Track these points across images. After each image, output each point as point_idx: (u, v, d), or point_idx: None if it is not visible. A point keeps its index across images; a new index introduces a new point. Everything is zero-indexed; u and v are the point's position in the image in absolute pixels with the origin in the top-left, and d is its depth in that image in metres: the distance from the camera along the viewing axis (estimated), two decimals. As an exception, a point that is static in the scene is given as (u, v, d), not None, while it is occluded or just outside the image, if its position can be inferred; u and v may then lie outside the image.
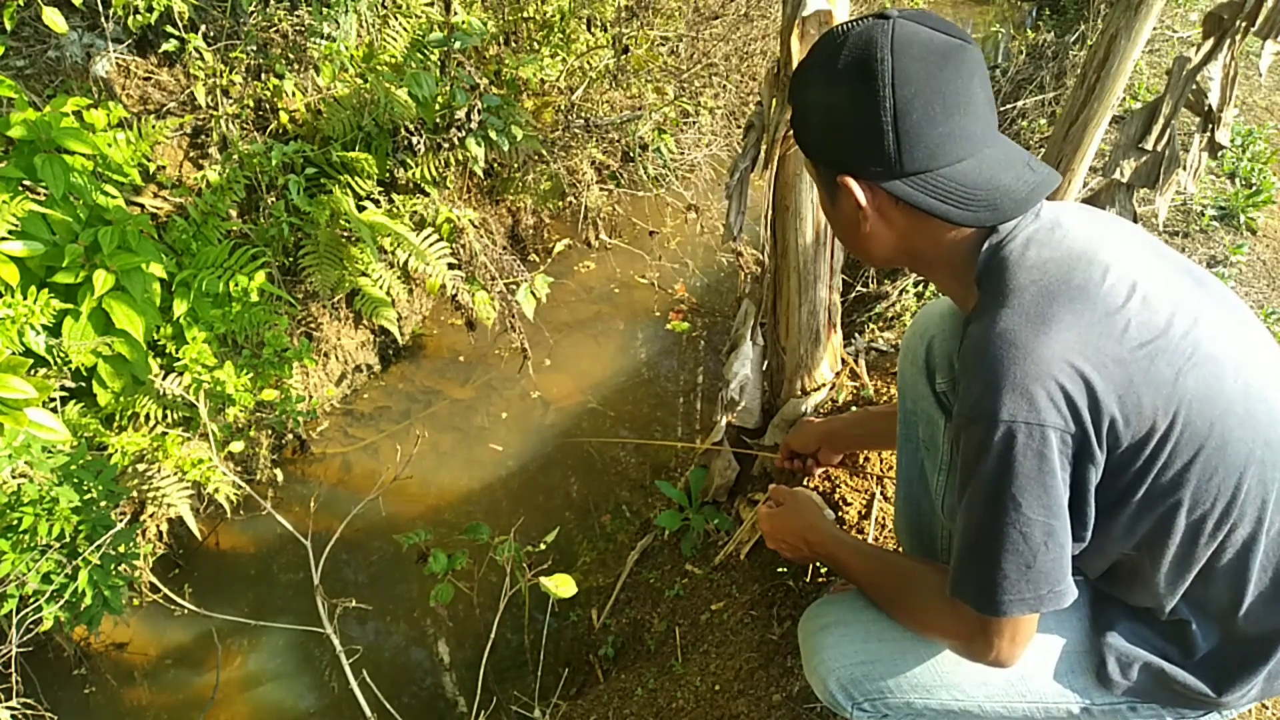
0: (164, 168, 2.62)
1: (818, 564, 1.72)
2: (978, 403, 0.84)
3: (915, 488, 1.39)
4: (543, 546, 1.88)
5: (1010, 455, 0.83)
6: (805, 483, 1.89)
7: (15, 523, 1.68)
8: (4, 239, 1.91)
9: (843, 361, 2.06)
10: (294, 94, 2.78)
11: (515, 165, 3.31)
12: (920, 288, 2.70)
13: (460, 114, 2.81)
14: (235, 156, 2.57)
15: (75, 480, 1.77)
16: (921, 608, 1.02)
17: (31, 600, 1.61)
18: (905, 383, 1.33)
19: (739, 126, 4.04)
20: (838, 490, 1.86)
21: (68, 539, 1.71)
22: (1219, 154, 2.13)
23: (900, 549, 1.75)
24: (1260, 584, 0.93)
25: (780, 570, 1.93)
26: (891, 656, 1.08)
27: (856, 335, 2.44)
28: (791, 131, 0.96)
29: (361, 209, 2.74)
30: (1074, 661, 1.06)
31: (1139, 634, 1.02)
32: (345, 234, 2.69)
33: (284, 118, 2.76)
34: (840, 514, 1.83)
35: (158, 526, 2.42)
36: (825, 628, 1.15)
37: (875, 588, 1.11)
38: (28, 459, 1.71)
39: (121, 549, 1.80)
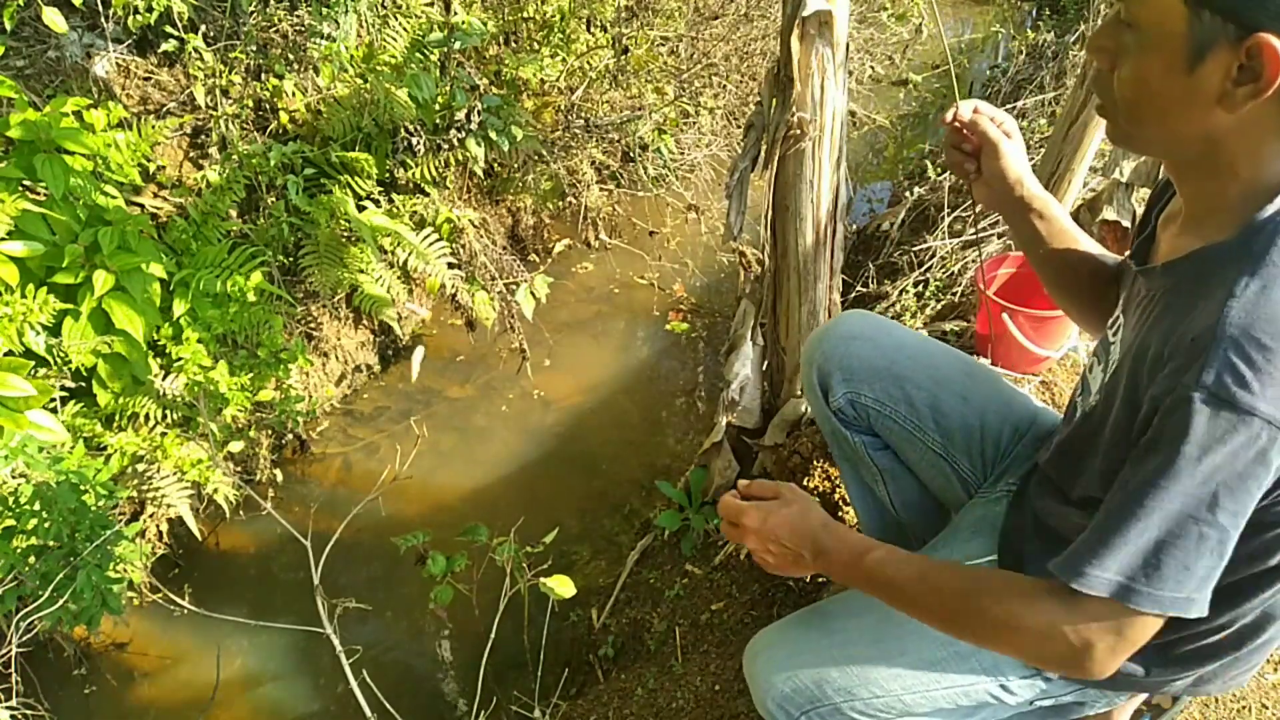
0: (164, 168, 2.62)
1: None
2: (1239, 387, 0.70)
3: (869, 502, 1.43)
4: (542, 547, 1.88)
5: (1248, 456, 0.71)
6: (805, 483, 1.89)
7: (14, 523, 1.68)
8: (4, 239, 1.91)
9: (843, 361, 2.06)
10: (294, 94, 2.78)
11: (515, 165, 3.31)
12: (919, 288, 2.70)
13: (460, 114, 2.81)
14: (234, 157, 2.57)
15: (73, 481, 1.77)
16: (1007, 609, 0.85)
17: (31, 600, 1.61)
18: (814, 412, 1.38)
19: (739, 126, 4.04)
20: (838, 490, 1.86)
21: (65, 539, 1.71)
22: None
23: None
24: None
25: (780, 570, 1.92)
26: (812, 666, 1.11)
27: (856, 335, 2.44)
28: None
29: (362, 209, 2.74)
30: None
31: None
32: (345, 234, 2.69)
33: (284, 118, 2.76)
34: (840, 514, 1.83)
35: (158, 526, 2.42)
36: (757, 654, 1.18)
37: (932, 597, 0.92)
38: (25, 459, 1.71)
39: (119, 549, 1.80)
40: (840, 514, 1.82)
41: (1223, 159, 0.78)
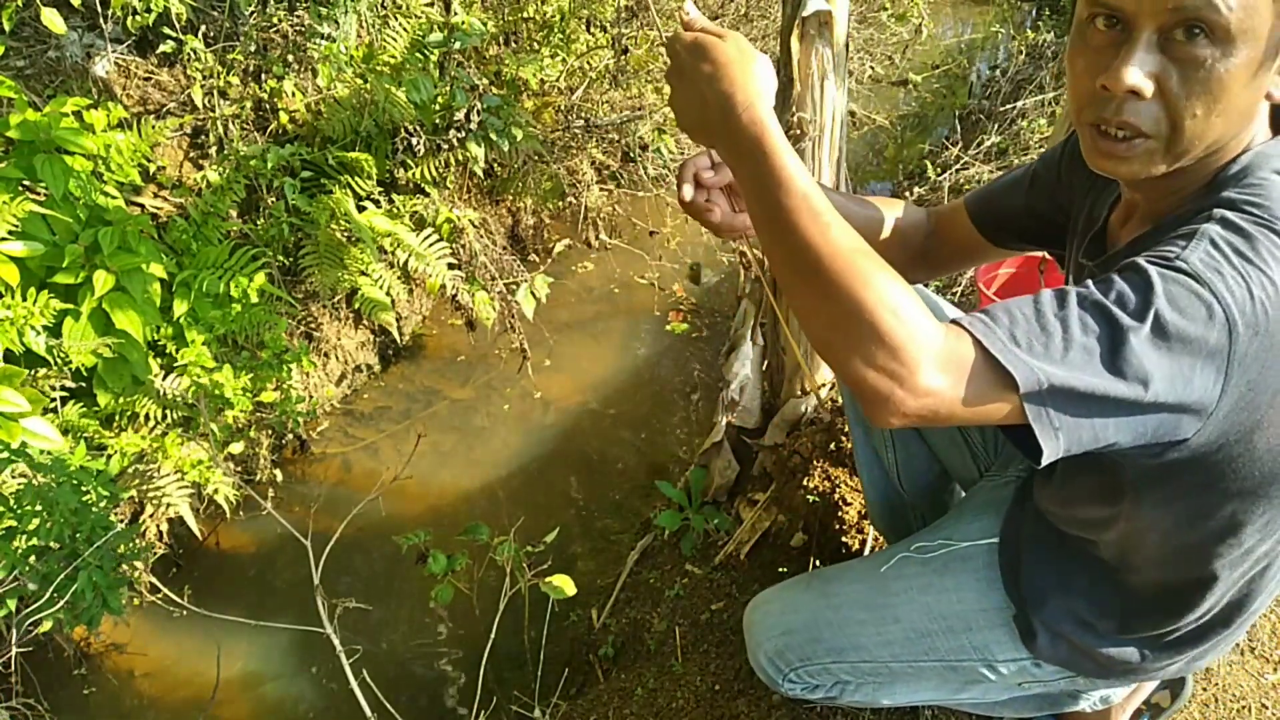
0: (164, 168, 2.62)
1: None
2: (1216, 274, 0.68)
3: (875, 474, 1.43)
4: (542, 547, 1.88)
5: (1195, 321, 0.68)
6: (805, 483, 1.89)
7: (15, 524, 1.68)
8: (4, 239, 1.91)
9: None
10: (294, 95, 2.78)
11: (515, 165, 3.31)
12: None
13: (460, 115, 2.81)
14: (232, 159, 2.57)
15: (74, 482, 1.77)
16: (875, 274, 0.72)
17: (31, 601, 1.61)
18: None
19: (739, 126, 4.04)
20: (837, 490, 1.86)
21: (66, 541, 1.71)
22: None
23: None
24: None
25: (781, 570, 1.93)
26: (806, 626, 1.16)
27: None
28: None
29: (362, 209, 2.74)
30: (974, 619, 1.08)
31: (1070, 608, 1.01)
32: (345, 234, 2.70)
33: (284, 118, 2.76)
34: (840, 514, 1.83)
35: (158, 526, 2.42)
36: (755, 608, 1.24)
37: (820, 227, 0.74)
38: (26, 460, 1.71)
39: (121, 550, 1.80)
40: (840, 513, 1.82)
41: (1211, 156, 0.78)
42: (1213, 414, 0.71)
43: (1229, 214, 0.72)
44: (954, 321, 0.72)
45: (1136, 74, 0.72)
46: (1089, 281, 0.72)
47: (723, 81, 0.81)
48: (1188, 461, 0.76)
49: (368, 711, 1.39)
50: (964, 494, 1.37)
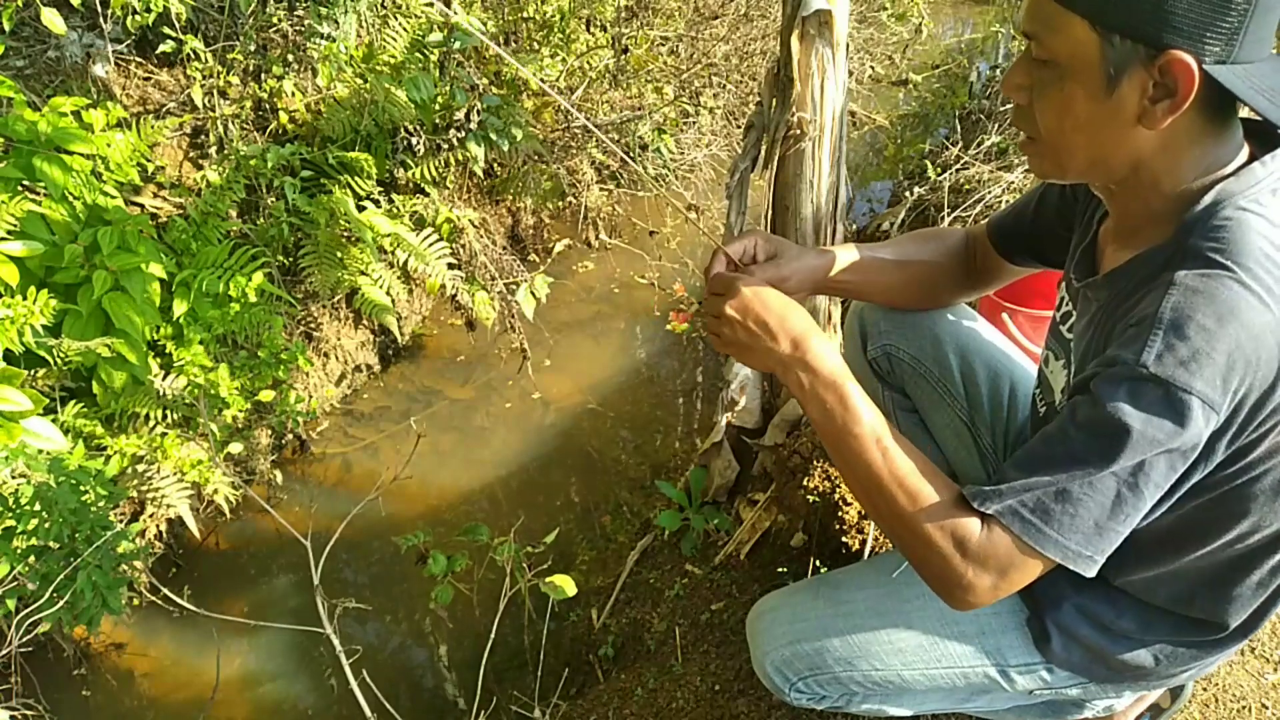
0: (164, 168, 2.62)
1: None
2: (1178, 366, 0.73)
3: None
4: (542, 547, 1.88)
5: (1181, 430, 0.73)
6: (805, 483, 1.89)
7: (14, 524, 1.68)
8: (4, 239, 1.91)
9: (843, 361, 2.06)
10: (294, 94, 2.78)
11: (515, 165, 3.31)
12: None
13: (460, 114, 2.81)
14: (232, 158, 2.57)
15: (73, 482, 1.77)
16: (928, 504, 0.85)
17: (31, 601, 1.61)
18: (849, 361, 1.39)
19: (739, 126, 4.04)
20: (837, 490, 1.86)
21: (65, 540, 1.71)
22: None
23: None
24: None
25: (781, 570, 1.92)
26: (815, 634, 1.13)
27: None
28: None
29: (361, 209, 2.74)
30: (987, 623, 1.07)
31: (1087, 609, 1.01)
32: (345, 234, 2.69)
33: (284, 118, 2.76)
34: (840, 514, 1.83)
35: (157, 526, 2.42)
36: (761, 615, 1.21)
37: (879, 464, 0.87)
38: (25, 460, 1.71)
39: (121, 550, 1.80)
40: (840, 513, 1.82)
41: (1145, 178, 0.82)
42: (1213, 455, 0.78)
43: (1189, 279, 0.75)
44: (990, 515, 0.82)
45: (1009, 81, 0.83)
46: (1073, 420, 0.79)
47: (767, 339, 0.95)
48: (1194, 490, 0.81)
49: (367, 712, 1.39)
50: None
